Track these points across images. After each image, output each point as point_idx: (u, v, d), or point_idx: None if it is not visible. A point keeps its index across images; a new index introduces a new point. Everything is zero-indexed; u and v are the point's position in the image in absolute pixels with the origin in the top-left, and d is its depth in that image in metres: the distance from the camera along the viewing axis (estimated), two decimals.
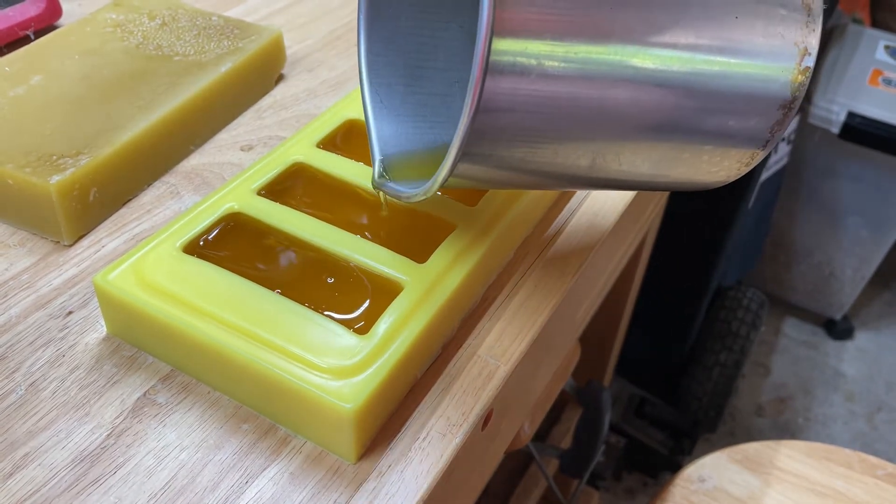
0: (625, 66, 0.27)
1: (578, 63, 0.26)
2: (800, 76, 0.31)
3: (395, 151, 0.36)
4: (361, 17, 0.36)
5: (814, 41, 0.31)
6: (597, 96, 0.27)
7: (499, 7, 0.24)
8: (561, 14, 0.25)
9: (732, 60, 0.29)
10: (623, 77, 0.27)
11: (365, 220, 0.38)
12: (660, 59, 0.28)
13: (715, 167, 0.33)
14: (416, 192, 0.30)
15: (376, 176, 0.35)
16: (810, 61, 0.31)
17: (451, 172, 0.27)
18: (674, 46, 0.28)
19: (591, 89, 0.27)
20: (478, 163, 0.28)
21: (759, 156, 0.33)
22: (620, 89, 0.27)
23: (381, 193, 0.37)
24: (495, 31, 0.24)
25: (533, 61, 0.25)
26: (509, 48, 0.25)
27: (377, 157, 0.35)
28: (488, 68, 0.24)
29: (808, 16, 0.31)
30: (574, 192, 0.43)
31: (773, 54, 0.30)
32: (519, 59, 0.25)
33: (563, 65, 0.26)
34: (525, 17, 0.25)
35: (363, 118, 0.42)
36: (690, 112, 0.30)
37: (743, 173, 0.34)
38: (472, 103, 0.25)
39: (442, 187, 0.29)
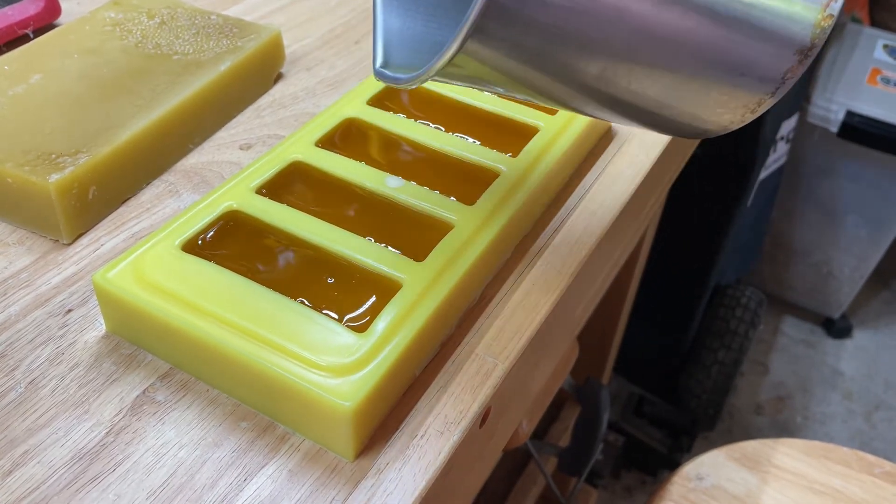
0: None
1: None
2: (823, 21, 0.30)
3: (400, 47, 0.34)
4: None
5: None
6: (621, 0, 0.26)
7: None
8: None
9: None
10: None
11: (363, 219, 0.38)
12: None
13: (721, 107, 0.32)
14: (417, 73, 0.29)
15: (377, 65, 0.33)
16: (835, 9, 0.30)
17: (460, 49, 0.26)
18: None
19: None
20: (487, 44, 0.26)
21: (767, 103, 0.32)
22: None
23: (384, 194, 0.37)
24: None
25: None
26: None
27: (379, 48, 0.34)
28: None
29: None
30: (573, 190, 0.43)
31: None
32: None
33: None
34: None
35: (362, 116, 0.43)
36: (708, 35, 0.29)
37: (747, 121, 0.33)
38: None
39: (443, 72, 0.27)
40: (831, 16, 0.30)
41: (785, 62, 0.30)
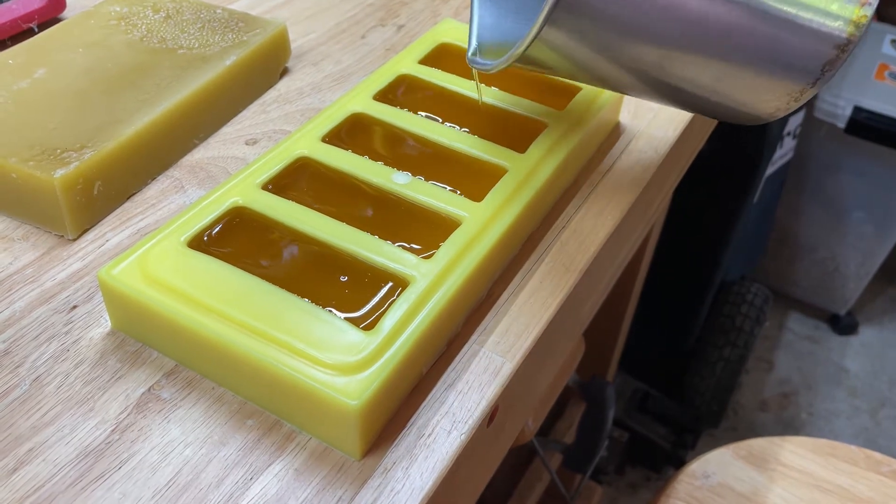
0: None
1: None
2: (858, 19, 0.33)
3: (492, 40, 0.40)
4: None
5: None
6: None
7: None
8: None
9: None
10: None
11: (370, 215, 0.38)
12: None
13: (767, 94, 0.35)
14: (501, 60, 0.34)
15: (470, 54, 0.39)
16: (869, 11, 0.33)
17: (538, 34, 0.31)
18: None
19: None
20: (559, 31, 0.31)
21: (808, 93, 0.35)
22: None
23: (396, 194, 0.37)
24: None
25: None
26: None
27: (474, 38, 0.40)
28: None
29: None
30: (580, 187, 0.43)
31: None
32: None
33: None
34: None
35: (369, 112, 0.42)
36: (756, 29, 0.33)
37: (791, 109, 0.36)
38: None
39: (522, 58, 0.32)
40: (866, 15, 0.33)
41: (824, 55, 0.34)
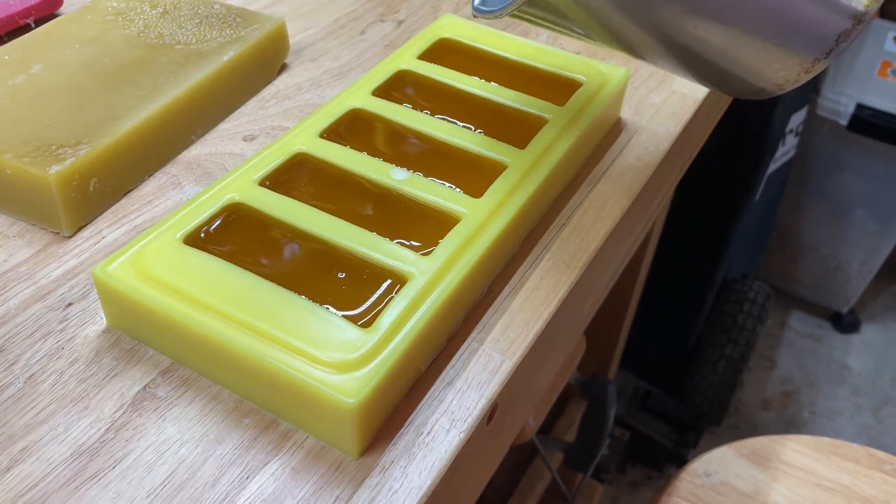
0: None
1: None
2: None
3: None
4: None
5: None
6: None
7: None
8: None
9: None
10: None
11: (368, 212, 0.37)
12: None
13: (778, 63, 0.34)
14: (508, 3, 0.32)
15: (476, 3, 0.37)
16: None
17: None
18: None
19: None
20: None
21: (820, 65, 0.34)
22: None
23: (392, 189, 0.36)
24: None
25: None
26: None
27: None
28: None
29: None
30: (581, 183, 0.42)
31: None
32: None
33: None
34: None
35: (367, 108, 0.42)
36: None
37: (802, 81, 0.35)
38: None
39: (530, 1, 0.31)
40: None
41: (839, 24, 0.33)
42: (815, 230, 1.30)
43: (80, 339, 0.34)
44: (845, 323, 1.40)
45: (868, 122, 1.09)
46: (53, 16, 0.52)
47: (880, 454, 0.65)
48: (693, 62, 0.35)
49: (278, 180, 0.38)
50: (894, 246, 1.27)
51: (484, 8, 0.36)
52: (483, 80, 0.45)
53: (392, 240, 0.35)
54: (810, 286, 1.39)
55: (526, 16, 0.34)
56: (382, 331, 0.31)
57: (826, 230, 1.29)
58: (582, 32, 0.35)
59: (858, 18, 0.33)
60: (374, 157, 0.39)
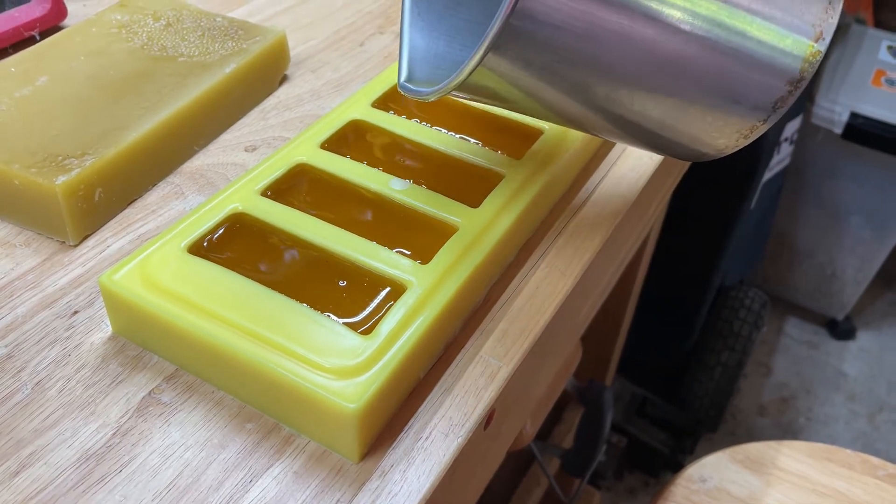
0: (660, 2, 0.29)
1: None
2: (811, 57, 0.32)
3: (424, 64, 0.37)
4: None
5: (830, 27, 0.32)
6: (627, 27, 0.28)
7: None
8: None
9: (755, 21, 0.31)
10: (654, 14, 0.29)
11: (368, 220, 0.38)
12: (691, 3, 0.29)
13: (716, 132, 0.34)
14: (438, 87, 0.31)
15: (402, 79, 0.35)
16: (822, 47, 0.32)
17: (479, 64, 0.28)
18: None
19: (624, 19, 0.28)
20: (502, 61, 0.28)
21: (759, 129, 0.34)
22: (649, 26, 0.29)
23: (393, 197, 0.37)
24: None
25: None
26: None
27: (405, 63, 0.36)
28: None
29: (829, 3, 0.32)
30: (577, 192, 0.43)
31: (792, 27, 0.32)
32: None
33: None
34: None
35: (367, 119, 0.43)
36: (706, 64, 0.31)
37: (741, 146, 0.35)
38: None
39: (462, 86, 0.29)
40: (820, 51, 0.32)
41: (775, 91, 0.33)
42: (811, 237, 1.31)
43: (86, 345, 0.34)
44: (841, 329, 1.41)
45: (862, 131, 1.10)
46: (58, 28, 0.53)
47: (874, 460, 0.66)
48: (629, 132, 0.35)
49: (280, 190, 0.39)
50: (889, 253, 1.27)
51: (412, 87, 0.35)
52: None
53: (391, 248, 0.36)
54: (806, 293, 1.40)
55: (462, 96, 0.34)
56: (382, 338, 0.31)
57: (821, 237, 1.30)
58: (515, 107, 0.35)
59: (795, 84, 0.32)
60: (374, 167, 0.40)
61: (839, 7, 0.33)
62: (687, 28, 0.29)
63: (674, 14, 0.29)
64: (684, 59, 0.30)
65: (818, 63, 0.32)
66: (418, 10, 0.38)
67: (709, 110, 0.33)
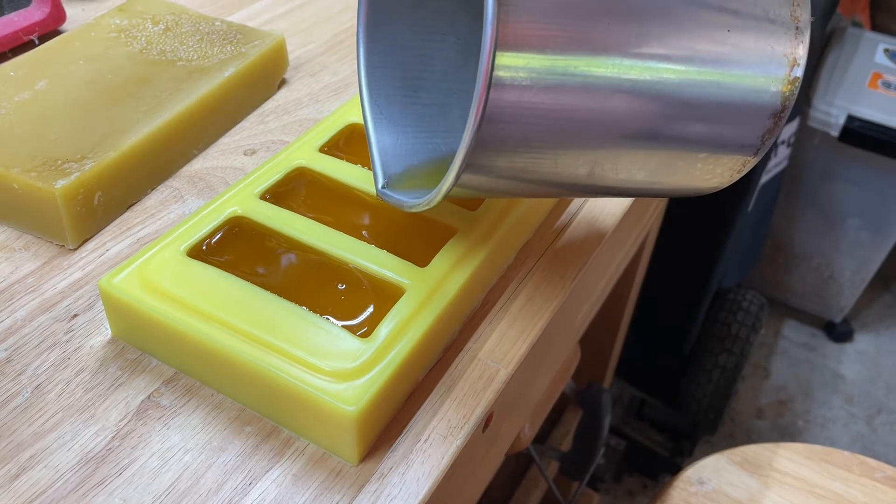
0: (622, 78, 0.28)
1: (578, 76, 0.27)
2: (789, 86, 0.32)
3: (396, 161, 0.36)
4: (360, 30, 0.37)
5: (802, 52, 0.32)
6: (596, 107, 0.28)
7: (502, 23, 0.24)
8: (561, 29, 0.26)
9: (725, 72, 0.30)
10: (620, 88, 0.28)
11: (367, 224, 0.38)
12: (655, 71, 0.28)
13: (708, 174, 0.34)
14: (420, 202, 0.31)
15: (379, 186, 0.35)
16: (799, 72, 0.32)
17: (455, 183, 0.28)
18: (668, 59, 0.29)
19: (590, 101, 0.28)
20: (481, 173, 0.28)
21: (751, 162, 0.34)
22: (618, 100, 0.28)
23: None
24: (498, 45, 0.25)
25: (534, 75, 0.26)
26: (512, 63, 0.25)
27: (378, 168, 0.36)
28: (492, 82, 0.25)
29: (797, 29, 0.32)
30: (573, 198, 0.43)
31: (764, 65, 0.31)
32: (521, 73, 0.26)
33: (563, 78, 0.27)
34: (527, 33, 0.25)
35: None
36: (684, 122, 0.30)
37: (735, 179, 0.35)
38: (476, 116, 0.25)
39: (445, 198, 0.29)
40: (797, 78, 0.32)
41: (761, 127, 0.32)
42: (808, 240, 1.31)
43: (85, 349, 0.35)
44: (838, 332, 1.41)
45: (859, 134, 1.10)
46: (57, 32, 0.53)
47: (871, 462, 0.66)
48: (623, 195, 0.35)
49: (279, 194, 0.39)
50: (887, 255, 1.28)
51: (391, 195, 0.34)
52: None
53: (390, 252, 0.36)
54: (804, 296, 1.40)
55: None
56: (381, 341, 0.32)
57: (819, 240, 1.30)
58: (508, 196, 0.34)
59: (778, 115, 0.32)
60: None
61: (807, 32, 0.32)
62: (657, 95, 0.29)
63: (641, 87, 0.28)
64: (662, 123, 0.30)
65: (798, 88, 0.32)
66: (379, 109, 0.37)
67: (696, 161, 0.32)
